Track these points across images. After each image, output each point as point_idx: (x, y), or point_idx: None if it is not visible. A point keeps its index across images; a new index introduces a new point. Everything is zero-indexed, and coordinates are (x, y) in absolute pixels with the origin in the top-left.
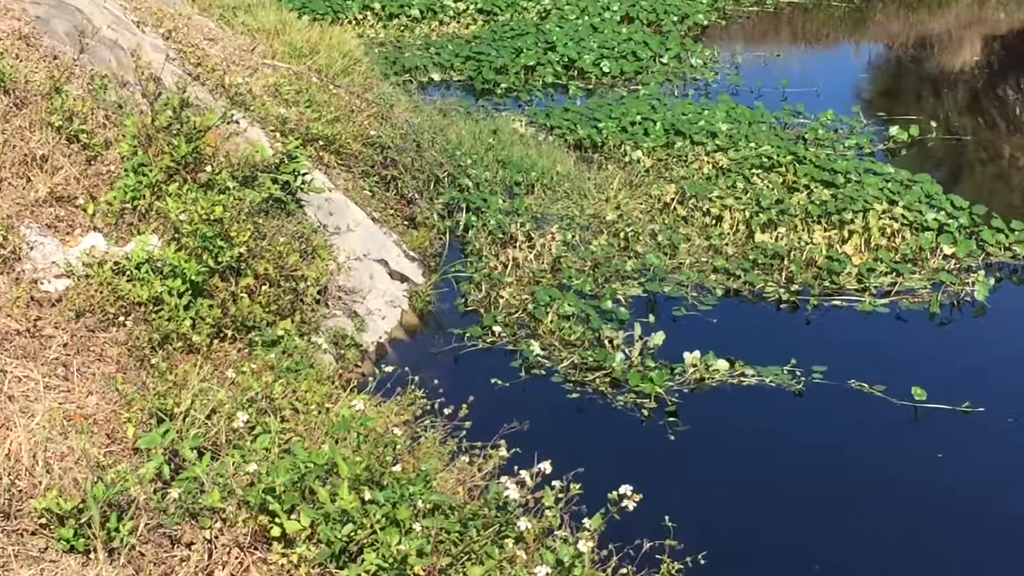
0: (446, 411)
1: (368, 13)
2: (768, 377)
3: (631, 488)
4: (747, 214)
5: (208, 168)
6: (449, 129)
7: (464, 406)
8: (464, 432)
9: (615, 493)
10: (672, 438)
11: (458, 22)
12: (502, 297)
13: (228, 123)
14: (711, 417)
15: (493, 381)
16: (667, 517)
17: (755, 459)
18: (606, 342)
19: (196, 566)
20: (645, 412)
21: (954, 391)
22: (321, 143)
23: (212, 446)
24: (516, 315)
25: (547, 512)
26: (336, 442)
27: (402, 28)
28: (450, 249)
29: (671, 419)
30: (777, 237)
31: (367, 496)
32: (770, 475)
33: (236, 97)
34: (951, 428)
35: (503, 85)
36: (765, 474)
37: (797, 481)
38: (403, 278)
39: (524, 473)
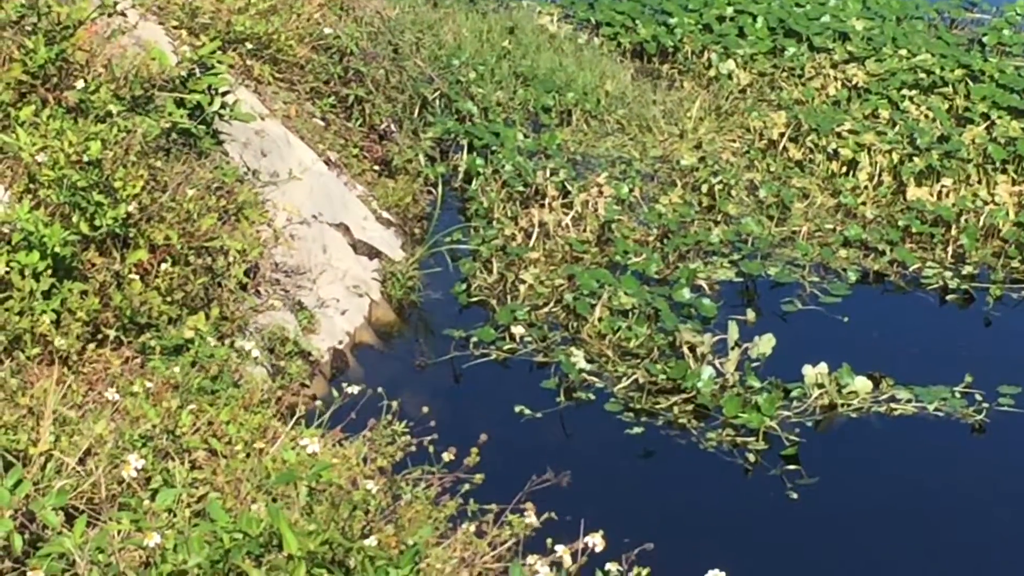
0: (445, 455)
1: None
2: (932, 403)
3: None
4: (895, 158)
5: (80, 84)
6: (443, 26)
7: (473, 450)
8: (470, 487)
9: None
10: (794, 496)
11: None
12: (524, 282)
13: (109, 15)
14: (850, 463)
15: (518, 410)
16: None
17: (916, 525)
18: (685, 350)
19: None
20: (750, 457)
21: None
22: (250, 46)
23: (87, 506)
24: (546, 309)
25: None
26: (275, 500)
27: None
28: (444, 208)
29: (790, 467)
30: (941, 193)
31: None
32: (940, 550)
33: None
34: None
35: None
36: (933, 548)
37: (981, 559)
38: (373, 252)
39: (562, 549)
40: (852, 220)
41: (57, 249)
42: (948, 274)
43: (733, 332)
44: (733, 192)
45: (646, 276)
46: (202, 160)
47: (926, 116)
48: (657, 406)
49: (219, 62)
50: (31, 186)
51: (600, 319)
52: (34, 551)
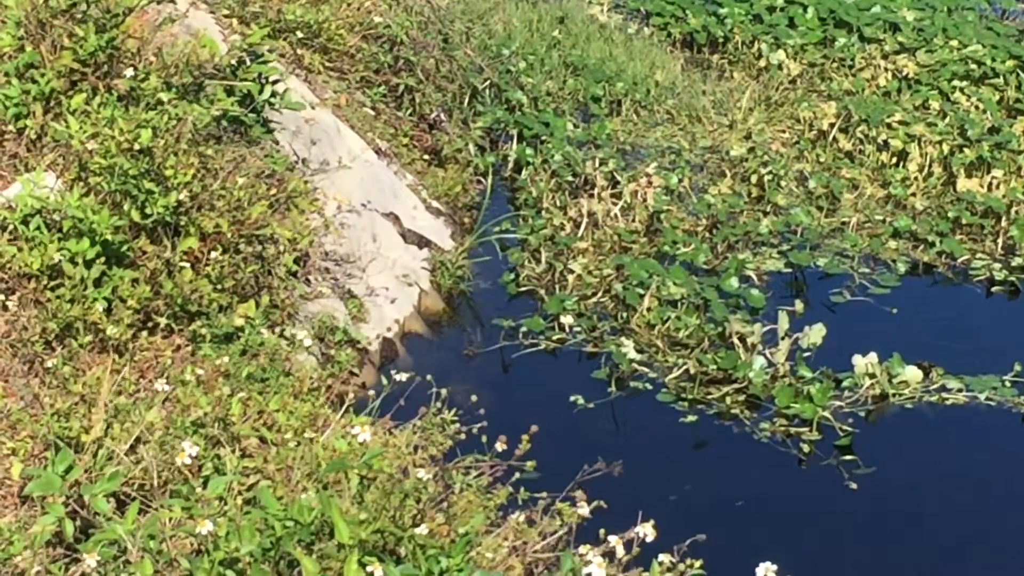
0: (497, 445)
1: None
2: (982, 392)
3: (775, 569)
4: (945, 149)
5: (130, 71)
6: (493, 16)
7: (524, 437)
8: (521, 476)
9: None
10: (853, 487)
11: None
12: (572, 271)
13: (159, 2)
14: (904, 453)
15: (572, 399)
16: None
17: (974, 514)
18: (735, 340)
19: None
20: (804, 447)
21: None
22: (300, 35)
23: (139, 492)
24: (595, 299)
25: None
26: (325, 487)
27: None
28: (493, 198)
29: (845, 457)
30: (991, 184)
31: (378, 572)
32: (999, 539)
33: None
34: None
35: None
36: (992, 538)
37: None
38: (422, 241)
39: (614, 540)
40: (902, 211)
41: (107, 236)
42: (997, 265)
43: (783, 322)
44: (782, 183)
45: (695, 266)
46: (252, 148)
47: (977, 107)
48: (709, 396)
49: (269, 51)
50: (82, 174)
51: (649, 309)
52: (85, 537)
